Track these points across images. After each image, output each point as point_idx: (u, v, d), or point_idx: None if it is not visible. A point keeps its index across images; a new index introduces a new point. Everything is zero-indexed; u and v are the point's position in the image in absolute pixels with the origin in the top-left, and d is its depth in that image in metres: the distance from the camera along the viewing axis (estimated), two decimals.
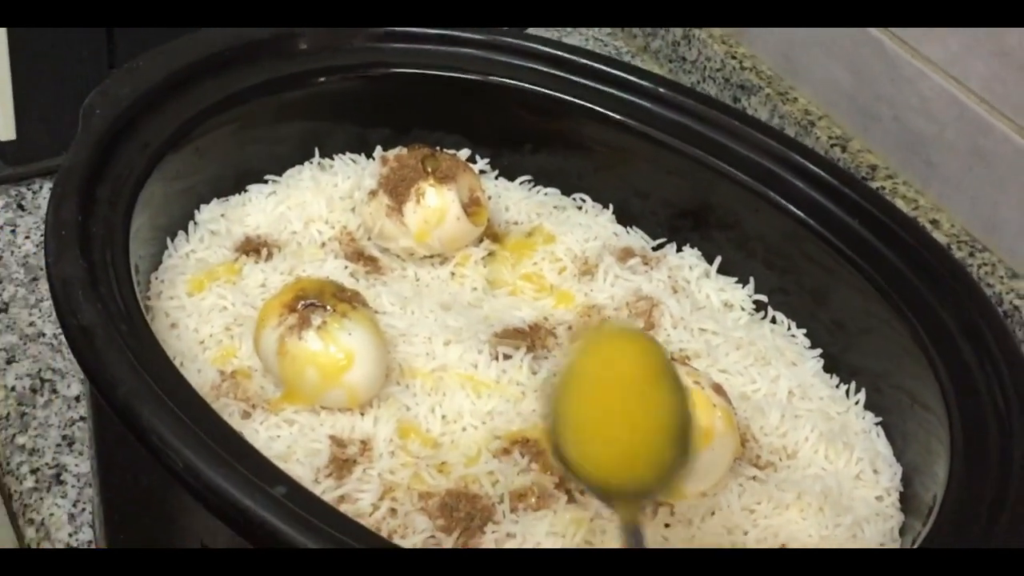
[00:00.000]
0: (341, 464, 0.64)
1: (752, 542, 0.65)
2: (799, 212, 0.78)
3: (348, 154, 0.84)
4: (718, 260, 0.81)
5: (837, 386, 0.76)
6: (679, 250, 0.83)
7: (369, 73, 0.83)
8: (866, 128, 0.98)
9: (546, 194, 0.86)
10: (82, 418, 0.80)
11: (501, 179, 0.86)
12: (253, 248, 0.76)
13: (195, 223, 0.78)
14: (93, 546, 0.72)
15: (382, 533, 0.61)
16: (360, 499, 0.63)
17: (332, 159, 0.84)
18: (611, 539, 0.62)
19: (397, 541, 0.61)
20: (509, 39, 0.84)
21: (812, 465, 0.71)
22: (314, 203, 0.80)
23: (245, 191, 0.81)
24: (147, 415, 0.54)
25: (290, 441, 0.65)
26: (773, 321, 0.79)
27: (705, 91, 1.09)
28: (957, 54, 0.88)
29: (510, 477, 0.65)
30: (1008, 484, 0.61)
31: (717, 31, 1.10)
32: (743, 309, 0.80)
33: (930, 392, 0.68)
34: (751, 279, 0.80)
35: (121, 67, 0.75)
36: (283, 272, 0.75)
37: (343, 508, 0.62)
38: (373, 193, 0.78)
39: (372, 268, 0.77)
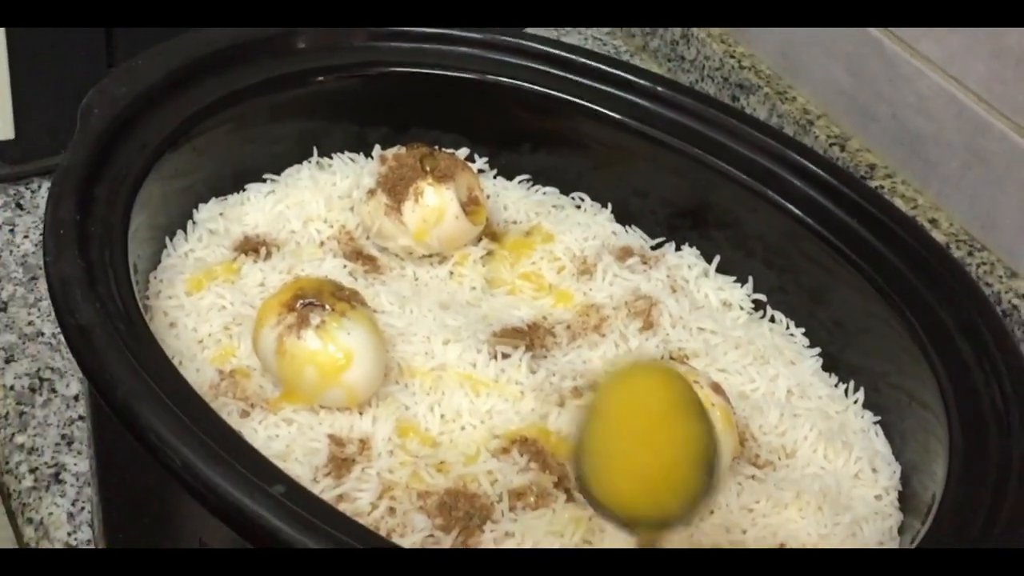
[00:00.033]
0: (340, 463, 0.64)
1: (751, 541, 0.65)
2: (798, 211, 0.78)
3: (346, 153, 0.84)
4: (717, 259, 0.81)
5: (836, 385, 0.76)
6: (678, 249, 0.83)
7: (367, 72, 0.83)
8: (865, 127, 0.98)
9: (545, 193, 0.85)
10: (81, 417, 0.80)
11: (500, 178, 0.86)
12: (252, 247, 0.76)
13: (194, 222, 0.78)
14: (92, 545, 0.72)
15: (381, 532, 0.61)
16: (359, 498, 0.62)
17: (330, 158, 0.84)
18: (610, 538, 0.62)
19: (396, 540, 0.61)
20: (507, 38, 0.84)
21: (811, 464, 0.70)
22: (312, 202, 0.80)
23: (244, 190, 0.80)
24: (146, 414, 0.54)
25: (289, 440, 0.65)
26: (772, 320, 0.79)
27: (704, 90, 1.09)
28: (956, 53, 0.88)
29: (509, 476, 0.65)
30: (1007, 483, 0.61)
31: (716, 30, 1.10)
32: (742, 308, 0.80)
33: (929, 391, 0.68)
34: (750, 278, 0.80)
35: (119, 66, 0.75)
36: (282, 271, 0.75)
37: (342, 507, 0.61)
38: (372, 192, 0.77)
39: (371, 267, 0.77)
